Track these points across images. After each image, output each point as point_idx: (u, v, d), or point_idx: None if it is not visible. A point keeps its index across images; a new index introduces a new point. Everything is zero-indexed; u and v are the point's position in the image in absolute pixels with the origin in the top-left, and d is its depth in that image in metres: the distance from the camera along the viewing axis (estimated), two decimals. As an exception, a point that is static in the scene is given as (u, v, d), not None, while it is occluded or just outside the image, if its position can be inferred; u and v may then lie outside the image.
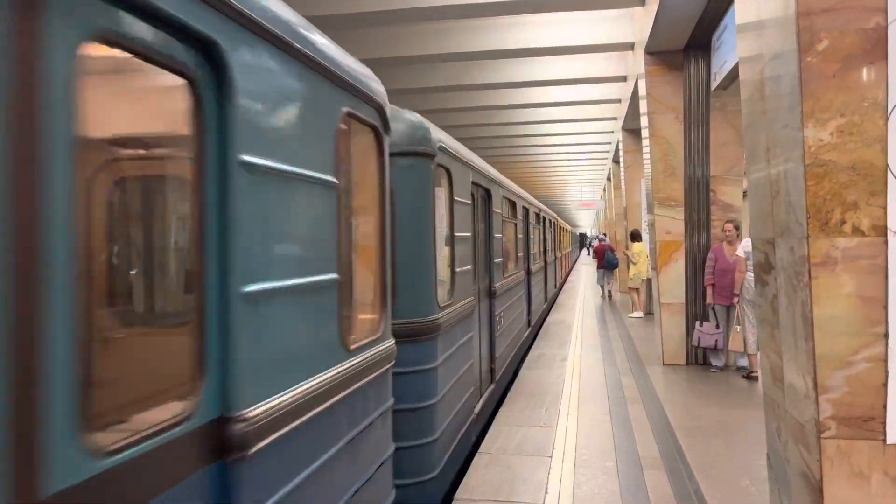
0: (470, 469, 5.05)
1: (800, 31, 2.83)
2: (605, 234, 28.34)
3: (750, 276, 7.78)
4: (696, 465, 5.02)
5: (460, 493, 4.58)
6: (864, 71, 2.78)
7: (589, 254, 43.56)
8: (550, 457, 5.28)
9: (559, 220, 20.63)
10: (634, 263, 14.50)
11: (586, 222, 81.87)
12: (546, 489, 4.61)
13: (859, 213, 2.80)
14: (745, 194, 8.97)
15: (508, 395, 7.41)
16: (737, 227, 8.27)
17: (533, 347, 10.55)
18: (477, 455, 5.35)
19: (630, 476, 4.84)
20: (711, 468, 4.97)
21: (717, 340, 8.23)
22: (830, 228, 2.82)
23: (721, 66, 7.57)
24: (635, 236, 14.70)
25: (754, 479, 4.70)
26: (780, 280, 3.28)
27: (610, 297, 18.72)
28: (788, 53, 2.96)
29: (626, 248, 15.70)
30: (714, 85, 8.17)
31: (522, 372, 8.62)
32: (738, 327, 7.80)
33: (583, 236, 74.75)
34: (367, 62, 3.33)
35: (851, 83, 2.79)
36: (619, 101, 15.06)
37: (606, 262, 18.50)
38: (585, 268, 36.58)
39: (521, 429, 6.04)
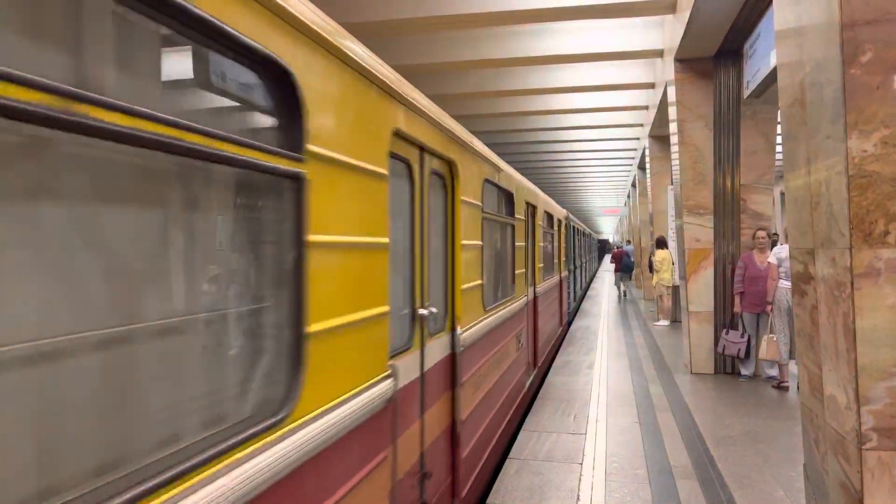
0: (500, 474, 5.08)
1: (843, 43, 2.84)
2: (629, 241, 28.77)
3: (783, 283, 7.71)
4: (729, 476, 5.00)
5: (492, 499, 4.61)
6: (909, 82, 2.78)
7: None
8: (581, 464, 5.28)
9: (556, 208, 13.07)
10: (657, 271, 14.40)
11: (609, 228, 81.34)
12: (578, 496, 4.62)
13: (903, 225, 2.79)
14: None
15: (536, 400, 7.42)
16: (769, 235, 8.22)
17: (559, 354, 10.54)
18: (507, 461, 5.38)
19: (662, 485, 4.83)
20: (744, 478, 4.94)
21: (740, 349, 8.19)
22: (874, 239, 2.82)
23: (754, 74, 7.52)
24: (661, 243, 14.61)
25: (788, 490, 4.67)
26: (820, 290, 3.28)
27: (625, 295, 21.53)
28: (831, 64, 2.96)
29: (652, 254, 15.59)
30: (746, 93, 8.12)
31: (550, 378, 8.62)
32: (774, 336, 7.70)
33: (604, 242, 74.38)
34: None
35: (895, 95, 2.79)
36: (646, 107, 15.00)
37: (623, 265, 21.75)
38: (608, 275, 36.31)
39: (550, 435, 6.05)
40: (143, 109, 1.39)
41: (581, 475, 5.03)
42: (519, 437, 6.02)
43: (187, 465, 1.51)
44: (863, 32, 2.81)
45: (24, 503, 1.25)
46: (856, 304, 2.83)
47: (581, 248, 20.43)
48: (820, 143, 3.16)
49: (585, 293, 22.94)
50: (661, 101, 11.89)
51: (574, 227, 16.80)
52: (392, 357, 2.97)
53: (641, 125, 16.87)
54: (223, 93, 1.88)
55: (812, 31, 3.23)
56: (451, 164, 4.11)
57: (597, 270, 40.75)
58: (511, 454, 5.54)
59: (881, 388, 2.81)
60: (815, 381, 3.43)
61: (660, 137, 15.63)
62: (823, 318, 3.23)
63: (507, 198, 6.57)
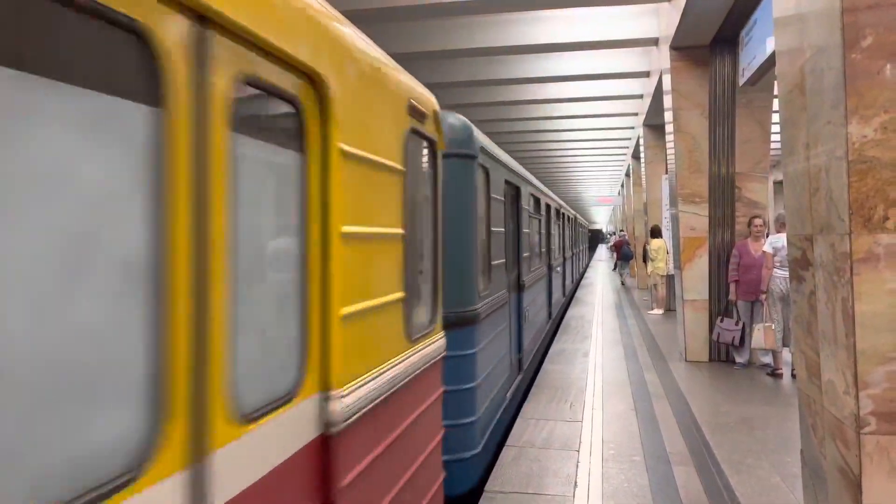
0: (498, 462, 5.09)
1: (844, 28, 2.83)
2: (623, 230, 29.35)
3: (778, 272, 7.73)
4: (725, 462, 5.03)
5: (490, 486, 4.62)
6: (910, 67, 2.77)
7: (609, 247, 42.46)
8: (577, 451, 5.31)
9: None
10: (653, 260, 14.44)
11: (602, 218, 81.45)
12: (575, 482, 4.64)
13: (903, 210, 2.79)
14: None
15: (532, 389, 7.44)
16: (765, 223, 8.26)
17: (554, 342, 10.57)
18: (505, 448, 5.40)
19: (658, 471, 4.86)
20: (740, 464, 4.97)
21: (734, 336, 8.23)
22: (873, 224, 2.82)
23: (750, 61, 7.51)
24: (655, 232, 14.64)
25: (785, 476, 4.70)
26: (818, 276, 3.28)
27: (624, 281, 23.61)
28: (832, 49, 2.95)
29: (647, 243, 15.62)
30: (742, 81, 8.11)
31: (545, 366, 8.64)
32: (770, 324, 7.72)
33: (597, 232, 74.52)
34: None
35: (896, 79, 2.79)
36: (640, 96, 14.98)
37: (623, 254, 23.76)
38: (601, 265, 36.37)
39: (547, 423, 6.07)
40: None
41: (578, 462, 5.05)
42: (516, 425, 6.04)
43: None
44: (864, 17, 2.80)
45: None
46: (855, 290, 2.84)
47: (563, 241, 15.06)
48: (820, 129, 3.15)
49: (569, 303, 17.17)
50: (655, 90, 11.88)
51: (530, 196, 9.09)
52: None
53: (636, 114, 16.86)
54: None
55: (812, 16, 3.22)
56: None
57: (586, 269, 33.57)
58: (508, 442, 5.56)
59: (880, 373, 2.82)
60: (813, 367, 3.44)
61: (654, 126, 15.62)
62: (822, 304, 3.24)
63: None
